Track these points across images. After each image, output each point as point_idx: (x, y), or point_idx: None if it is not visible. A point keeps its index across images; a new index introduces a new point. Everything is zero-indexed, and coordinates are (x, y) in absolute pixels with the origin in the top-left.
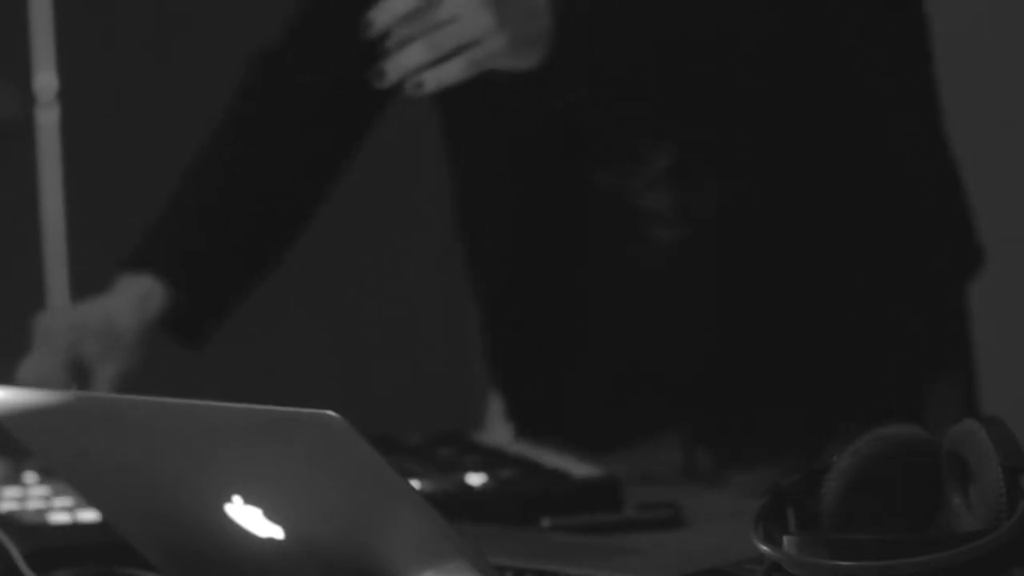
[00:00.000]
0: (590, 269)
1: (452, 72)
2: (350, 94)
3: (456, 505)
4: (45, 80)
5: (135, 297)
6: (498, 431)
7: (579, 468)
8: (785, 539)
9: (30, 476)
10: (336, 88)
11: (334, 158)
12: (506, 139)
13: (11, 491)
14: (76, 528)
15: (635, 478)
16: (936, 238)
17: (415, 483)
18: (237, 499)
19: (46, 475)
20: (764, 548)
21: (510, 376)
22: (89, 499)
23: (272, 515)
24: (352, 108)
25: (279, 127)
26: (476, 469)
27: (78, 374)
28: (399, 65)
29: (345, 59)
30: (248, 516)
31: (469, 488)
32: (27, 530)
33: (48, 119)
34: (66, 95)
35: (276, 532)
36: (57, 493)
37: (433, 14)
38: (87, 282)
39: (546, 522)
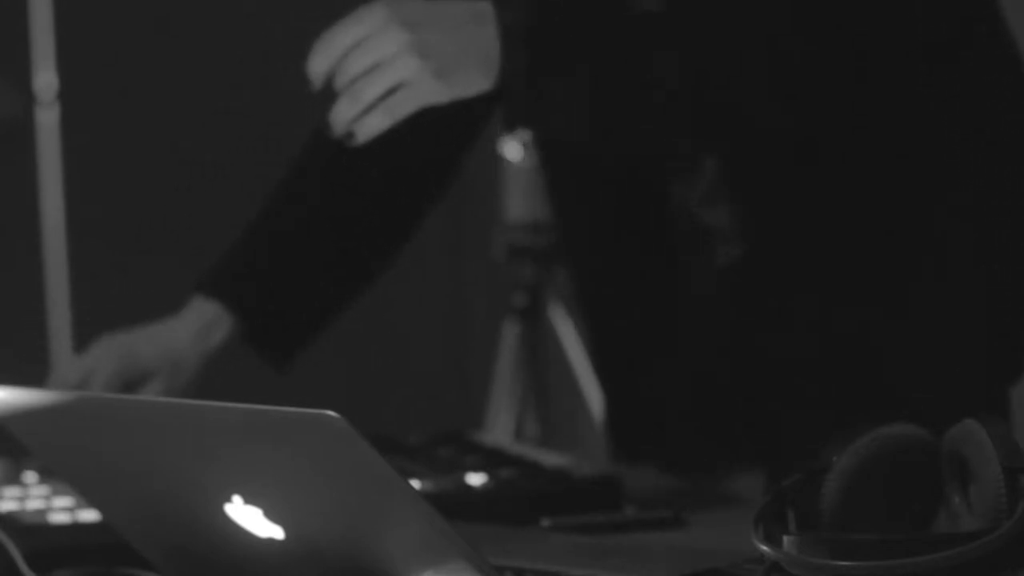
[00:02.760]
0: (673, 284)
1: (374, 123)
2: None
3: (456, 505)
4: (45, 80)
5: (199, 324)
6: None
7: (579, 468)
8: (785, 539)
9: (30, 476)
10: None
11: (418, 202)
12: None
13: (11, 491)
14: (76, 528)
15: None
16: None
17: (415, 483)
18: (237, 499)
19: (46, 475)
20: (764, 548)
21: (613, 393)
22: (89, 499)
23: (272, 515)
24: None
25: (356, 185)
26: (476, 469)
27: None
28: (335, 118)
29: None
30: (248, 516)
31: (469, 488)
32: (27, 530)
33: (48, 119)
34: (66, 95)
35: (276, 532)
36: (57, 493)
37: (355, 64)
38: (87, 282)
39: (546, 522)
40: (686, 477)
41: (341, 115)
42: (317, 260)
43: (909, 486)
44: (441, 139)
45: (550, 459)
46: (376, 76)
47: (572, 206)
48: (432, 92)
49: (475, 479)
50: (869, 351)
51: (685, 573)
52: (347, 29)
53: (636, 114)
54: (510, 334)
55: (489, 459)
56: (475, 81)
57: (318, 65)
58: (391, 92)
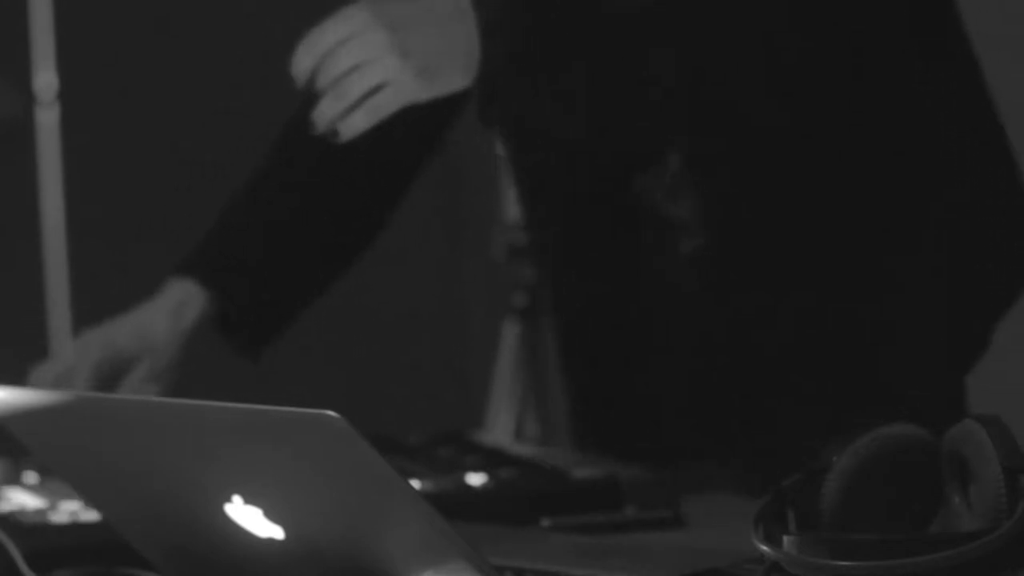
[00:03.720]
0: (637, 280)
1: (358, 122)
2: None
3: (456, 505)
4: (45, 80)
5: (172, 303)
6: (498, 431)
7: (579, 468)
8: (785, 539)
9: (30, 476)
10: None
11: (395, 188)
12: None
13: (11, 491)
14: (76, 528)
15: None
16: (993, 237)
17: (415, 483)
18: (237, 499)
19: (46, 475)
20: (764, 548)
21: (577, 388)
22: (89, 499)
23: (272, 515)
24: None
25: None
26: (476, 469)
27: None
28: (318, 116)
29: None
30: (248, 516)
31: (469, 488)
32: (27, 530)
33: (48, 119)
34: (66, 95)
35: (276, 532)
36: (57, 493)
37: (337, 63)
38: (87, 282)
39: (546, 522)
40: (653, 469)
41: (324, 114)
42: (292, 247)
43: (909, 486)
44: (417, 127)
45: (550, 459)
46: (359, 76)
47: (539, 201)
48: (414, 90)
49: (475, 479)
50: (841, 341)
51: (685, 573)
52: (330, 29)
53: (619, 110)
54: (510, 334)
55: (489, 459)
56: (456, 78)
57: (301, 64)
58: (374, 91)
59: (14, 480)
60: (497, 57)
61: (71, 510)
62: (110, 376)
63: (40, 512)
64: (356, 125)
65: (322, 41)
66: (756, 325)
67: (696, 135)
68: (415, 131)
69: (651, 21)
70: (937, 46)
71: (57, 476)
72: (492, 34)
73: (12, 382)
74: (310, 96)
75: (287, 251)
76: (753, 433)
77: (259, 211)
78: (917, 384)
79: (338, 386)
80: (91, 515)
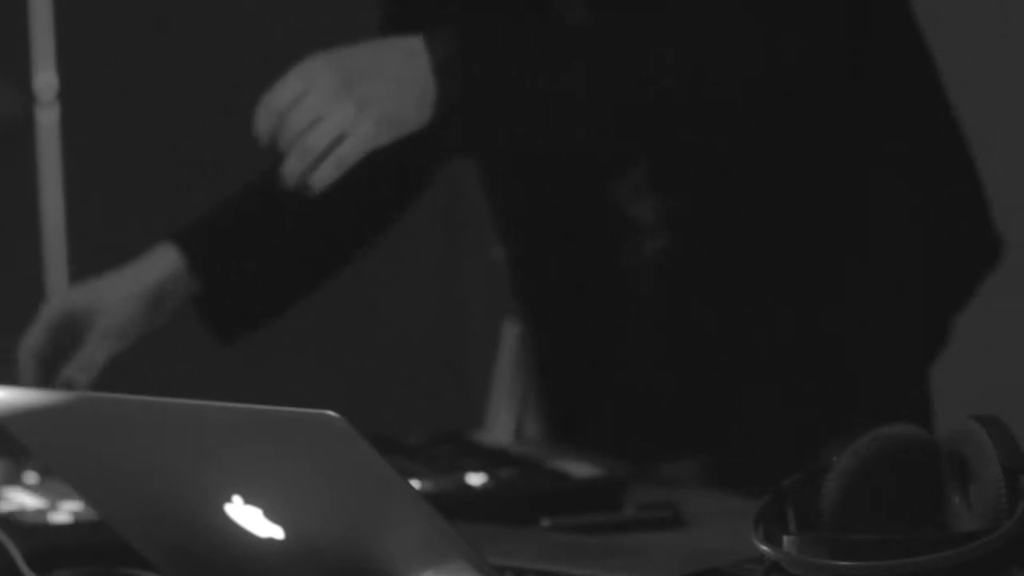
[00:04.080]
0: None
1: (325, 175)
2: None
3: (456, 505)
4: (45, 80)
5: (144, 260)
6: (498, 431)
7: (579, 468)
8: (785, 539)
9: (30, 476)
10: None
11: (391, 207)
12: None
13: (11, 491)
14: (76, 528)
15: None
16: (952, 231)
17: (415, 483)
18: (237, 499)
19: (46, 475)
20: (764, 548)
21: (547, 381)
22: (89, 499)
23: (272, 515)
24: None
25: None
26: (476, 469)
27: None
28: (287, 174)
29: None
30: (248, 516)
31: (469, 488)
32: (27, 530)
33: (48, 119)
34: (66, 95)
35: (276, 532)
36: (57, 493)
37: (296, 120)
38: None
39: (546, 522)
40: (624, 462)
41: (291, 171)
42: (283, 247)
43: (909, 486)
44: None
45: (550, 459)
46: (318, 130)
47: (506, 203)
48: (375, 137)
49: (475, 479)
50: (803, 336)
51: (685, 573)
52: (285, 87)
53: (574, 125)
54: (510, 334)
55: (489, 459)
56: (414, 118)
57: (262, 126)
58: (336, 142)
59: (14, 480)
60: (452, 91)
61: (71, 510)
62: (65, 333)
63: (40, 512)
64: (324, 178)
65: (279, 100)
66: (719, 326)
67: (660, 141)
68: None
69: (593, 38)
70: (886, 43)
71: (57, 476)
72: (446, 72)
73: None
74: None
75: (278, 248)
76: (719, 433)
77: (252, 205)
78: (882, 381)
79: (338, 386)
80: (91, 515)
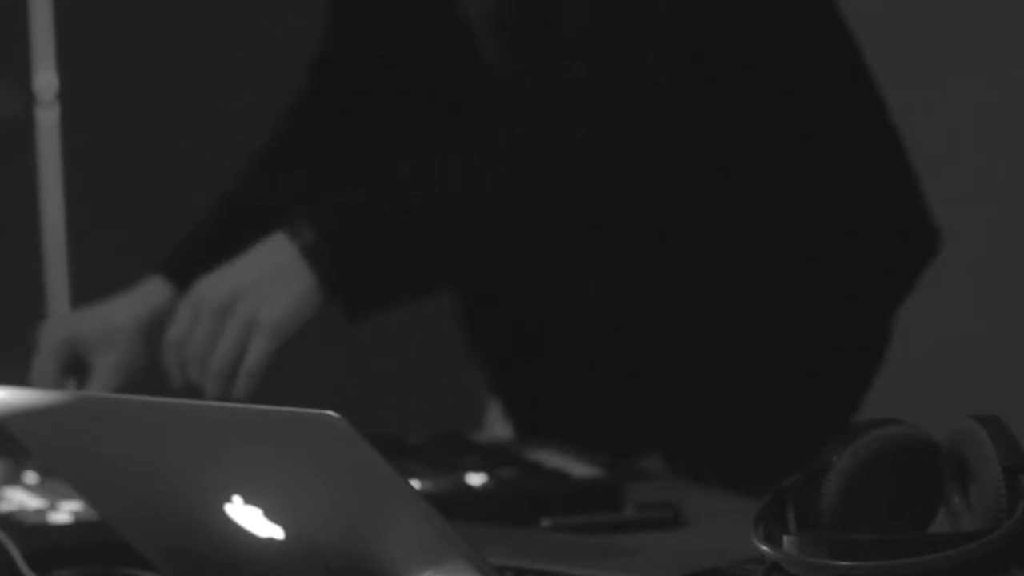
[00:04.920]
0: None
1: (243, 388)
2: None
3: (456, 505)
4: (45, 80)
5: (137, 295)
6: (498, 431)
7: (579, 468)
8: (785, 539)
9: (30, 476)
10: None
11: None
12: None
13: (11, 491)
14: (76, 528)
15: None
16: (889, 225)
17: (415, 483)
18: (237, 499)
19: (46, 475)
20: (764, 548)
21: (500, 377)
22: (89, 499)
23: (272, 515)
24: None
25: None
26: (476, 469)
27: (76, 375)
28: (209, 395)
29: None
30: (248, 516)
31: (469, 488)
32: (27, 530)
33: (48, 119)
34: (66, 95)
35: (276, 532)
36: (57, 493)
37: (194, 349)
38: (87, 282)
39: (546, 522)
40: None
41: (215, 396)
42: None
43: (909, 486)
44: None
45: (550, 459)
46: (218, 353)
47: None
48: (271, 340)
49: (475, 479)
50: (747, 343)
51: (685, 573)
52: (179, 319)
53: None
54: None
55: (489, 459)
56: (303, 307)
57: (169, 362)
58: (239, 357)
59: (14, 480)
60: (325, 267)
61: (71, 510)
62: (71, 364)
63: (40, 512)
64: (244, 390)
65: (175, 335)
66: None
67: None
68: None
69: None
70: (809, 31)
71: (57, 476)
72: (311, 252)
73: (13, 383)
74: (294, 110)
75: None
76: (678, 421)
77: (234, 218)
78: (826, 380)
79: (338, 386)
80: (91, 515)
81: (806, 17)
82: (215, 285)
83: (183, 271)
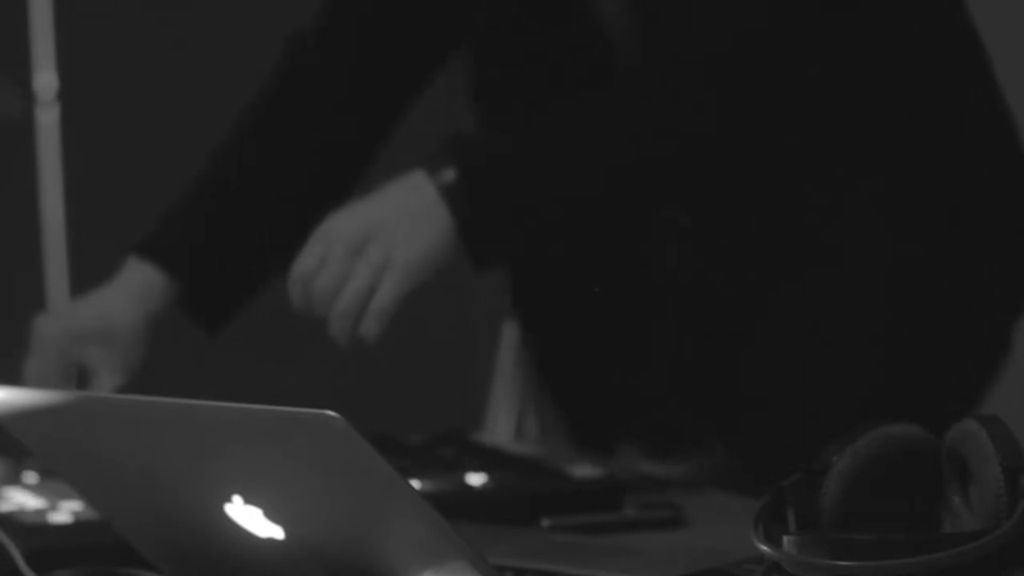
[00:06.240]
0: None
1: (372, 328)
2: (378, 77)
3: (456, 505)
4: (45, 80)
5: (135, 291)
6: (498, 431)
7: (579, 468)
8: (785, 539)
9: (30, 476)
10: (363, 71)
11: (362, 145)
12: None
13: (11, 491)
14: (76, 528)
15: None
16: (1002, 231)
17: (415, 483)
18: (237, 499)
19: (46, 475)
20: (764, 548)
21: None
22: (89, 499)
23: (272, 515)
24: (381, 92)
25: (305, 111)
26: (476, 469)
27: (78, 379)
28: (335, 338)
29: (372, 42)
30: (248, 516)
31: (469, 488)
32: (27, 530)
33: (48, 119)
34: (66, 95)
35: (276, 532)
36: (57, 493)
37: (323, 286)
38: (87, 282)
39: (546, 522)
40: (645, 463)
41: (339, 335)
42: (252, 226)
43: (909, 486)
44: (376, 107)
45: (550, 459)
46: (347, 291)
47: None
48: (403, 282)
49: (475, 479)
50: (853, 341)
51: (685, 573)
52: (306, 255)
53: (604, 200)
54: (510, 334)
55: (489, 459)
56: (437, 251)
57: (295, 297)
58: (368, 297)
59: (14, 480)
60: (464, 210)
61: (71, 510)
62: (73, 364)
63: (40, 512)
64: (372, 331)
65: (303, 269)
66: (748, 316)
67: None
68: (376, 111)
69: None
70: (940, 28)
71: (57, 476)
72: (451, 192)
73: (12, 382)
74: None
75: (245, 231)
76: (744, 431)
77: (217, 191)
78: (935, 385)
79: (338, 386)
80: (91, 515)
81: (933, 17)
82: (347, 222)
83: (176, 259)
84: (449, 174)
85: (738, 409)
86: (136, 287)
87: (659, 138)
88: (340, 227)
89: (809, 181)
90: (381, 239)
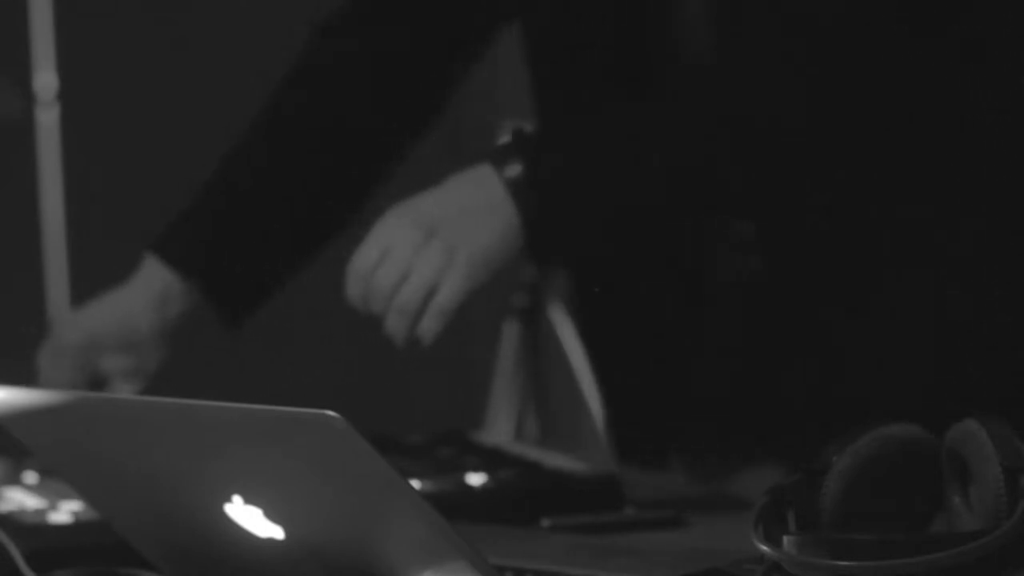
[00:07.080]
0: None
1: (430, 327)
2: (415, 65)
3: (456, 505)
4: (45, 80)
5: (154, 297)
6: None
7: (579, 468)
8: (785, 539)
9: (30, 476)
10: (401, 58)
11: (396, 138)
12: None
13: (11, 491)
14: (76, 528)
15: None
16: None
17: (415, 483)
18: (237, 499)
19: (46, 475)
20: (764, 548)
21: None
22: (89, 499)
23: (272, 515)
24: (418, 80)
25: (338, 101)
26: (476, 469)
27: (96, 385)
28: (392, 334)
29: (409, 25)
30: (248, 516)
31: (469, 488)
32: (27, 530)
33: (48, 119)
34: (66, 95)
35: (276, 532)
36: (57, 493)
37: (384, 281)
38: (87, 282)
39: (546, 522)
40: (692, 477)
41: (396, 331)
42: (268, 223)
43: (909, 486)
44: (399, 103)
45: (550, 459)
46: (409, 287)
47: None
48: (467, 279)
49: (475, 479)
50: (875, 354)
51: (685, 573)
52: (367, 248)
53: (667, 201)
54: (510, 334)
55: (489, 459)
56: (503, 247)
57: (353, 292)
58: (431, 293)
59: (14, 480)
60: (531, 207)
61: (71, 510)
62: (91, 369)
63: (40, 512)
64: (431, 330)
65: (364, 263)
66: (800, 337)
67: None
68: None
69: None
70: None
71: (57, 476)
72: (518, 188)
73: (12, 382)
74: (293, 69)
75: (262, 229)
76: (790, 443)
77: (232, 189)
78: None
79: (338, 386)
80: (91, 515)
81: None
82: (409, 216)
83: (196, 263)
84: (515, 169)
85: (789, 419)
86: (155, 291)
87: (732, 139)
88: (403, 221)
89: (871, 189)
90: (444, 234)
